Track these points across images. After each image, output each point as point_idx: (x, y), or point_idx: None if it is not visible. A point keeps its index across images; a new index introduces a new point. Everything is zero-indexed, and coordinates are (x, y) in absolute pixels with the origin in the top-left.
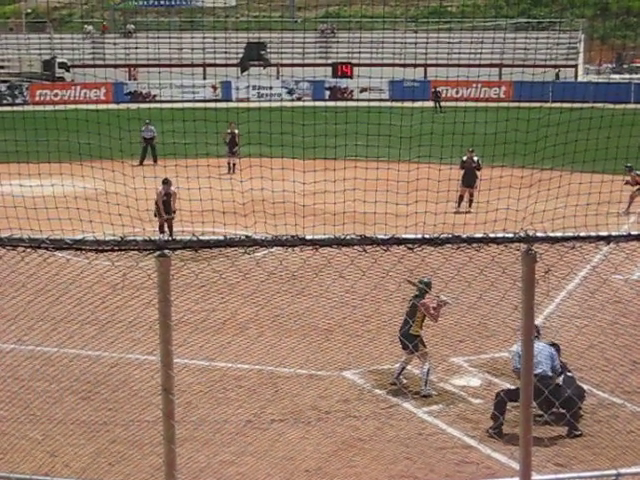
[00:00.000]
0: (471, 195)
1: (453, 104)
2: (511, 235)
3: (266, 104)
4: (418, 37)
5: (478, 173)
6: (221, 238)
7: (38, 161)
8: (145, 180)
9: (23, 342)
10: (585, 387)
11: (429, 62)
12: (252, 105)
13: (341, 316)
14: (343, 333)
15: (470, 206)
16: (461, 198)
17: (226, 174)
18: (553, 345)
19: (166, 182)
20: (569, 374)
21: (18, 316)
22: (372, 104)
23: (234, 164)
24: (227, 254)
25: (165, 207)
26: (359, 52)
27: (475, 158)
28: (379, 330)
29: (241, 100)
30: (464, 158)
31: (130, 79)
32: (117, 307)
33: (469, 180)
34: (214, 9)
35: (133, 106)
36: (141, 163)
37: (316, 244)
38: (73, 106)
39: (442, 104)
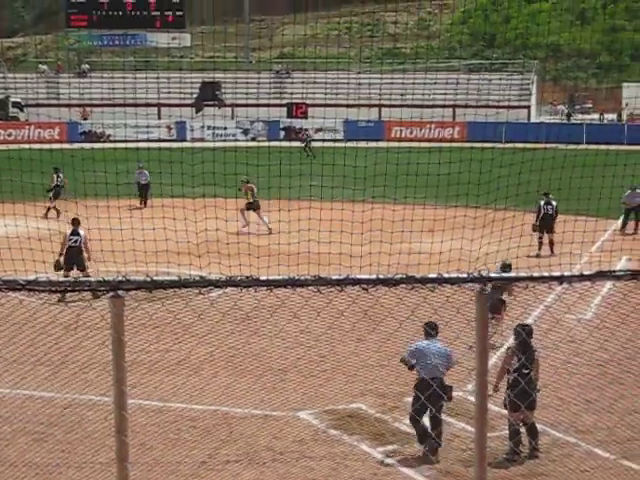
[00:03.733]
0: (551, 241)
1: (407, 144)
2: (465, 275)
3: (221, 144)
4: (372, 78)
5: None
6: (175, 279)
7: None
8: (99, 221)
9: None
10: (539, 427)
11: (383, 102)
12: (207, 145)
13: (296, 356)
14: (298, 373)
15: (552, 251)
16: (541, 243)
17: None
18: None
19: (75, 222)
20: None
21: None
22: (326, 144)
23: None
24: (181, 295)
25: (74, 256)
26: (314, 92)
27: (554, 203)
28: (334, 370)
29: (196, 140)
30: (541, 203)
31: (84, 119)
32: (71, 348)
33: (547, 224)
34: (169, 49)
35: (87, 146)
36: (145, 204)
37: (271, 285)
38: (27, 146)
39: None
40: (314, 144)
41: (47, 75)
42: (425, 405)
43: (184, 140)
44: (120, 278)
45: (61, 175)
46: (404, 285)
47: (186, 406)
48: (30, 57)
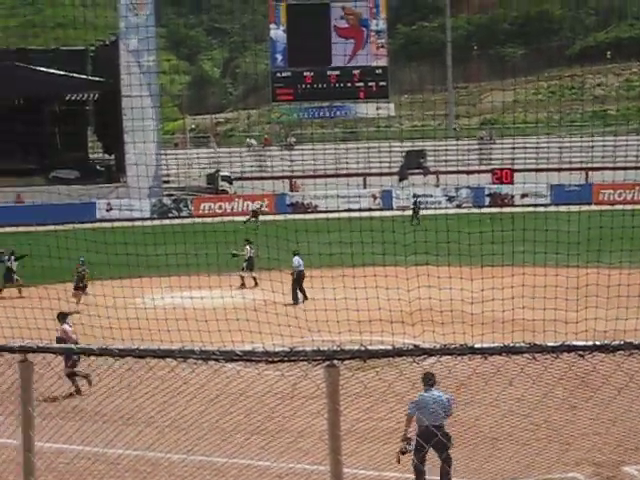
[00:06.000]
0: None
1: (617, 207)
2: None
3: (428, 212)
4: (578, 141)
5: None
6: (389, 347)
7: (208, 273)
8: (313, 290)
9: (193, 452)
10: None
11: (590, 165)
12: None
13: (510, 425)
14: (512, 442)
15: None
16: None
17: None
18: None
19: (62, 317)
20: None
21: (189, 427)
22: (535, 209)
23: None
24: (395, 363)
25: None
26: (519, 157)
27: None
28: (549, 439)
29: (401, 208)
30: None
31: (292, 190)
32: (286, 417)
33: None
34: (374, 119)
35: (295, 217)
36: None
37: (485, 352)
38: (235, 218)
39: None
40: (517, 209)
41: (255, 149)
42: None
43: (390, 209)
44: (335, 348)
45: (250, 247)
46: (622, 351)
47: (401, 475)
48: (238, 131)
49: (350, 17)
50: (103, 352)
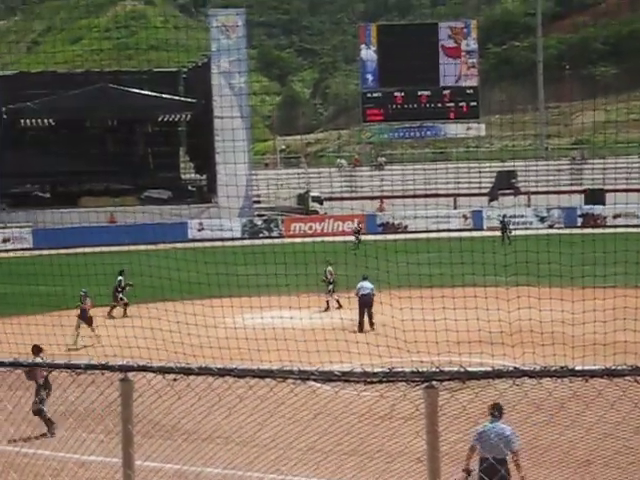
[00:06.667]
0: None
1: None
2: None
3: (519, 232)
4: None
5: None
6: (489, 369)
7: (297, 294)
8: (412, 311)
9: (291, 473)
10: None
11: None
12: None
13: (603, 448)
14: (604, 465)
15: None
16: None
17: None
18: None
19: (36, 350)
20: None
21: (288, 446)
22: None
23: None
24: (495, 385)
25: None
26: (613, 178)
27: None
28: None
29: (492, 229)
30: None
31: (379, 210)
32: (384, 438)
33: None
34: (464, 139)
35: (386, 237)
36: None
37: (586, 375)
38: (325, 238)
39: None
40: (609, 230)
41: (345, 169)
42: None
43: (480, 229)
44: (434, 369)
45: (330, 269)
46: None
47: None
48: (328, 152)
49: (457, 37)
50: (202, 371)
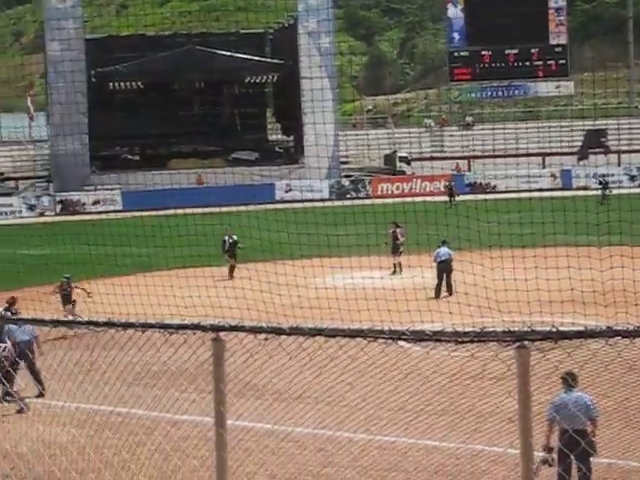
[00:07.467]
0: None
1: None
2: None
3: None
4: None
5: None
6: (581, 329)
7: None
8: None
9: (379, 433)
10: None
11: None
12: (590, 193)
13: None
14: None
15: None
16: None
17: None
18: None
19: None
20: None
21: (378, 406)
22: None
23: None
24: (588, 345)
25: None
26: None
27: None
28: None
29: (581, 188)
30: None
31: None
32: (475, 398)
33: None
34: (552, 98)
35: (472, 197)
36: None
37: None
38: (413, 199)
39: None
40: None
41: (432, 129)
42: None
43: (569, 189)
44: (526, 328)
45: (399, 230)
46: None
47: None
48: (415, 112)
49: None
50: (293, 331)
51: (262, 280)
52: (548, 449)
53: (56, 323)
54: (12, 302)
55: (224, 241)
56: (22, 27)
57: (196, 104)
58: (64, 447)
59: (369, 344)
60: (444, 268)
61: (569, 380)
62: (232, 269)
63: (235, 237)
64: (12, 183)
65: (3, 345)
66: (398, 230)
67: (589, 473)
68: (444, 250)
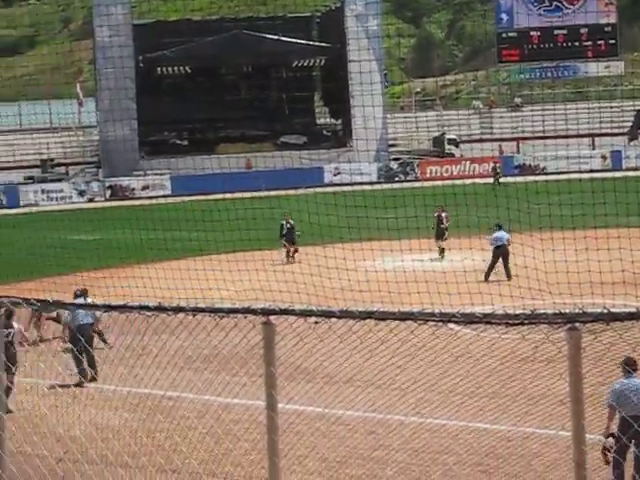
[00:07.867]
0: None
1: None
2: None
3: None
4: None
5: None
6: (633, 310)
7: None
8: (554, 253)
9: (430, 416)
10: None
11: None
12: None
13: None
14: None
15: None
16: None
17: None
18: None
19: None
20: None
21: (429, 390)
22: None
23: None
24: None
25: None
26: None
27: None
28: None
29: (631, 169)
30: None
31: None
32: (526, 380)
33: None
34: (602, 78)
35: (522, 179)
36: None
37: None
38: (463, 181)
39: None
40: None
41: (480, 111)
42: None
43: (619, 169)
44: (577, 310)
45: (444, 215)
46: None
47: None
48: (463, 94)
49: None
50: (344, 314)
51: (312, 264)
52: (611, 435)
53: (108, 308)
54: (84, 292)
55: (282, 225)
56: (70, 14)
57: (244, 88)
58: (116, 431)
59: (419, 327)
60: (501, 253)
61: (629, 366)
62: (288, 253)
63: (292, 222)
64: (62, 169)
65: (11, 330)
66: (444, 214)
67: None
68: (501, 234)
